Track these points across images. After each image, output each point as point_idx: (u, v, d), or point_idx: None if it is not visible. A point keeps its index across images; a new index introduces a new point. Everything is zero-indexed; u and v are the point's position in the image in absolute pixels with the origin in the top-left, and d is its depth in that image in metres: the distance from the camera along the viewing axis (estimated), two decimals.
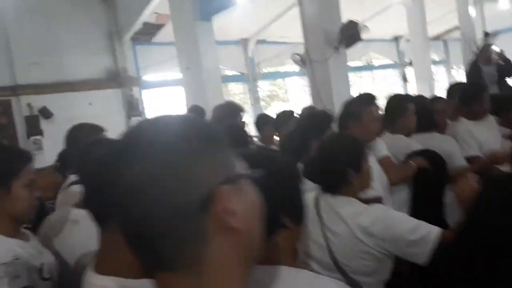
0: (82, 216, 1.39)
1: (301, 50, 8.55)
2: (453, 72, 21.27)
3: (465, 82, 4.21)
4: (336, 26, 5.61)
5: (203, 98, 7.17)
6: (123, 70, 8.43)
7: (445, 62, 19.97)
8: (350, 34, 5.69)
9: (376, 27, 10.16)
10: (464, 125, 2.88)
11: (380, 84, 18.71)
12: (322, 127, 1.99)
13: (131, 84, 8.68)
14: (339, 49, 5.80)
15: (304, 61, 6.53)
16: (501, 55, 4.58)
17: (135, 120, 8.37)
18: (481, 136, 2.83)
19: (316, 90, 6.05)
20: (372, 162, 2.10)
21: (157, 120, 0.66)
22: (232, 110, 3.34)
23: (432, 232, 1.53)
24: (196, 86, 7.45)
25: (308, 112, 2.11)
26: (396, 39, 17.14)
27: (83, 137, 2.14)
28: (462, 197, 1.39)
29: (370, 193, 1.83)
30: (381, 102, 2.59)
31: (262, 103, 13.00)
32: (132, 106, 8.63)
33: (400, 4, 10.96)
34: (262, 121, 3.67)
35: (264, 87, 15.49)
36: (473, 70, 4.58)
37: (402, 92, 18.37)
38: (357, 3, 9.17)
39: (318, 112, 2.23)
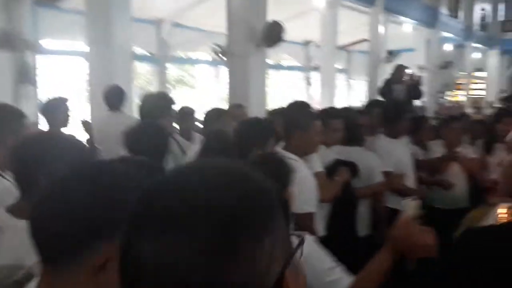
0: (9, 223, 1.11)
1: (217, 39, 8.40)
2: (352, 82, 22.87)
3: (381, 100, 4.47)
4: (261, 24, 5.57)
5: (110, 75, 6.64)
6: (17, 32, 7.45)
7: (346, 71, 21.34)
8: (274, 34, 5.70)
9: (290, 29, 10.41)
10: (383, 142, 3.02)
11: (286, 85, 19.33)
12: (265, 136, 1.89)
13: (25, 48, 7.71)
14: (261, 47, 5.80)
15: (224, 53, 6.40)
16: (412, 76, 4.96)
17: (25, 87, 7.47)
18: (397, 154, 3.00)
19: (233, 84, 5.96)
20: (309, 176, 2.08)
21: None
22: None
23: (343, 278, 1.52)
24: (103, 61, 6.87)
25: (252, 122, 2.02)
26: (307, 43, 17.79)
27: None
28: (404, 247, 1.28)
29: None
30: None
31: (168, 86, 12.56)
32: (23, 72, 7.66)
33: (315, 10, 11.33)
34: (184, 113, 3.45)
35: (172, 71, 14.99)
36: (385, 87, 4.89)
37: (305, 95, 19.25)
38: (277, 3, 9.25)
39: (261, 120, 2.13)
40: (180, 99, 15.20)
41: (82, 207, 0.70)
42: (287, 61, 18.53)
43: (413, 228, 1.18)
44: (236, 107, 3.76)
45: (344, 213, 2.59)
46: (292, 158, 2.04)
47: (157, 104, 2.14)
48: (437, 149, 3.31)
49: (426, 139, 3.35)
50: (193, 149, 2.51)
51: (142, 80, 14.86)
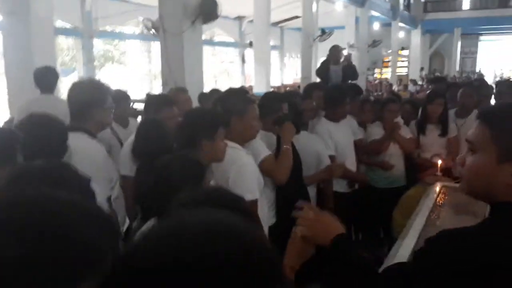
0: None
1: (147, 13, 7.98)
2: (285, 59, 23.08)
3: (319, 82, 4.48)
4: (196, 0, 5.33)
5: (29, 50, 6.06)
6: None
7: (280, 48, 21.44)
8: (209, 10, 5.48)
9: (224, 3, 10.16)
10: (325, 125, 3.02)
11: (220, 61, 19.07)
12: (215, 126, 1.77)
13: None
14: (196, 23, 5.56)
15: (156, 29, 6.07)
16: (347, 58, 5.02)
17: None
18: (338, 137, 3.01)
19: (167, 62, 5.69)
20: (249, 163, 2.01)
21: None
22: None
23: None
24: (21, 34, 6.24)
25: (196, 110, 1.87)
26: (240, 19, 17.53)
27: None
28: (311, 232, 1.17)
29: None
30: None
31: (95, 63, 11.83)
32: None
33: None
34: (119, 97, 3.17)
35: (99, 46, 14.09)
36: (322, 68, 4.92)
37: (240, 71, 19.13)
38: None
39: (209, 110, 2.00)
40: (108, 77, 14.46)
41: None
42: (220, 36, 18.22)
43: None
44: (179, 92, 3.53)
45: (293, 199, 2.56)
46: (233, 147, 1.96)
47: (89, 95, 1.93)
48: (377, 130, 3.39)
49: (366, 120, 3.41)
50: (130, 138, 2.32)
51: (65, 56, 13.84)
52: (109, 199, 2.00)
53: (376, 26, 16.17)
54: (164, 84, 5.81)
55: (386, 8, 15.73)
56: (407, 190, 3.05)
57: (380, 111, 3.43)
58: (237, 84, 17.36)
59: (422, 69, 21.29)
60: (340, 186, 3.11)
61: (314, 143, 2.80)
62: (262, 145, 2.25)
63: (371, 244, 3.72)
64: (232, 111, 2.02)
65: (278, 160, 2.29)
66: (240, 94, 2.20)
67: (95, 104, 1.98)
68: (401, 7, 17.78)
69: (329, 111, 3.05)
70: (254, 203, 1.94)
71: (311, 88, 3.42)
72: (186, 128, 1.80)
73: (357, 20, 14.29)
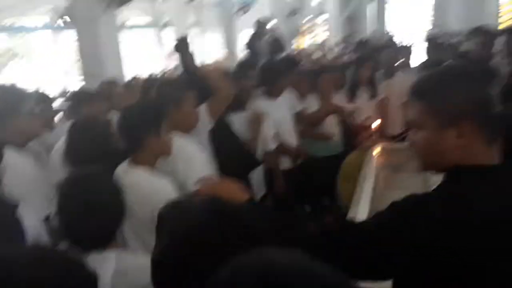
0: None
1: (54, 1, 7.38)
2: (207, 36, 22.62)
3: (251, 60, 4.39)
4: None
5: None
6: None
7: (199, 25, 20.95)
8: None
9: None
10: (262, 103, 2.98)
11: (136, 44, 18.24)
12: (158, 121, 1.65)
13: None
14: (111, 7, 5.23)
15: (69, 17, 5.65)
16: (273, 30, 4.98)
17: None
18: (276, 114, 3.00)
19: (82, 51, 5.34)
20: (196, 151, 1.93)
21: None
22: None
23: None
24: None
25: (137, 106, 1.70)
26: None
27: None
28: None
29: None
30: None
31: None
32: None
33: None
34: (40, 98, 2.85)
35: (1, 42, 12.84)
36: (251, 41, 4.86)
37: (159, 54, 18.44)
38: None
39: (149, 103, 1.86)
40: (15, 75, 13.26)
41: None
42: (132, 19, 17.38)
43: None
44: (111, 85, 3.27)
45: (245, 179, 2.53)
46: (175, 137, 1.87)
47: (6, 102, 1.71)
48: (314, 101, 3.42)
49: (304, 92, 3.41)
50: (58, 144, 2.11)
51: None
52: (47, 218, 1.80)
53: None
54: (84, 76, 5.46)
55: None
56: (345, 155, 3.14)
57: (314, 82, 3.45)
58: (158, 68, 16.81)
59: (346, 37, 21.99)
60: (283, 162, 3.13)
61: None
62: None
63: (318, 214, 3.83)
64: (168, 102, 1.91)
65: None
66: (174, 83, 2.07)
67: (11, 112, 1.77)
68: None
69: (265, 89, 3.01)
70: None
71: (245, 66, 3.37)
72: (128, 127, 1.66)
73: None
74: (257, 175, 2.77)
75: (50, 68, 14.38)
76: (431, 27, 24.13)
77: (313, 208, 3.85)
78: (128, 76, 6.24)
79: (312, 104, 3.40)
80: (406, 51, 4.54)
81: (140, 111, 1.67)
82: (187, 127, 2.02)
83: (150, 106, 1.71)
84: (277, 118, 3.02)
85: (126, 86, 3.59)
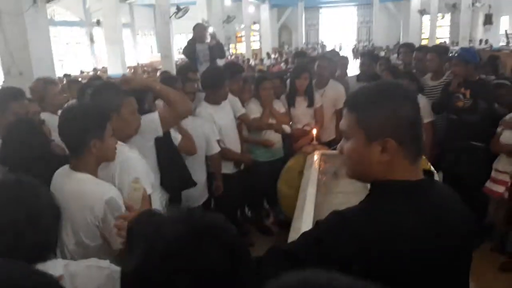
0: None
1: None
2: (138, 37, 22.05)
3: (187, 64, 4.31)
4: None
5: None
6: None
7: (131, 26, 20.37)
8: None
9: None
10: (206, 109, 2.96)
11: (65, 42, 17.34)
12: (103, 123, 1.55)
13: None
14: (38, 2, 4.92)
15: None
16: (213, 36, 4.95)
17: None
18: (220, 120, 2.99)
19: (7, 46, 4.96)
20: (135, 159, 1.84)
21: None
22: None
23: None
24: None
25: (79, 108, 1.55)
26: None
27: None
28: None
29: None
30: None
31: None
32: None
33: None
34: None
35: None
36: (189, 47, 4.77)
37: (89, 52, 17.66)
38: None
39: (91, 104, 1.71)
40: None
41: None
42: (61, 15, 16.52)
43: None
44: (47, 84, 2.97)
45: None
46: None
47: None
48: (254, 107, 3.45)
49: (246, 98, 3.43)
50: None
51: None
52: None
53: (227, 1, 16.40)
54: (6, 73, 5.07)
55: None
56: (285, 160, 3.22)
57: (255, 88, 3.49)
58: (87, 67, 16.10)
59: (278, 47, 22.54)
60: (226, 168, 3.13)
61: (202, 127, 2.73)
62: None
63: (259, 217, 3.87)
64: (109, 106, 1.80)
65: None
66: (110, 89, 1.94)
67: None
68: None
69: (209, 94, 2.99)
70: (148, 198, 1.81)
71: (185, 69, 3.31)
72: (70, 130, 1.55)
73: None
74: (199, 181, 2.74)
75: None
76: (356, 41, 25.28)
77: (254, 212, 3.90)
78: (58, 74, 5.88)
79: (254, 110, 3.43)
80: (343, 62, 4.75)
81: (84, 113, 1.56)
82: (127, 134, 1.92)
83: (92, 108, 1.60)
84: (220, 123, 3.01)
85: (59, 85, 3.37)
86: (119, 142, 1.79)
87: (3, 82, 5.55)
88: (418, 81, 3.66)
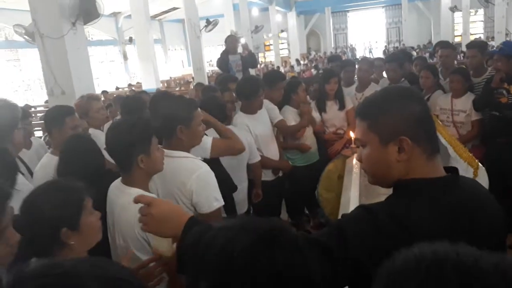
0: None
1: (15, 18, 7.16)
2: (170, 52, 22.58)
3: (231, 74, 4.39)
4: (72, 0, 4.93)
5: None
6: None
7: (162, 41, 20.90)
8: (88, 9, 5.12)
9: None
10: (242, 119, 3.01)
11: (99, 61, 17.96)
12: (147, 137, 1.61)
13: None
14: (77, 25, 5.14)
15: (30, 35, 5.49)
16: (245, 46, 5.04)
17: None
18: (257, 129, 3.02)
19: (49, 69, 5.21)
20: (209, 170, 1.86)
21: None
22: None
23: None
24: None
25: (124, 125, 1.60)
26: (115, 15, 16.65)
27: None
28: None
29: None
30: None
31: None
32: None
33: None
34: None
35: None
36: (222, 58, 4.87)
37: (123, 69, 18.22)
38: None
39: (137, 121, 1.77)
40: None
41: None
42: (96, 35, 17.15)
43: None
44: (91, 100, 3.11)
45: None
46: (186, 157, 1.83)
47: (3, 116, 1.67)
48: (289, 112, 3.48)
49: (280, 105, 3.46)
50: (45, 161, 2.04)
51: None
52: None
53: (255, 11, 16.58)
54: (49, 93, 5.32)
55: None
56: (321, 165, 3.22)
57: (286, 94, 3.51)
58: (122, 83, 16.60)
59: (306, 54, 22.53)
60: (265, 175, 3.16)
61: (243, 135, 2.77)
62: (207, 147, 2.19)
63: (299, 223, 3.86)
64: (177, 120, 1.85)
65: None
66: (182, 100, 1.98)
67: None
68: None
69: (244, 104, 3.03)
70: (220, 210, 1.86)
71: (226, 80, 3.38)
72: (117, 147, 1.61)
73: (235, 7, 14.50)
74: (241, 193, 2.77)
75: (8, 85, 13.89)
76: (386, 42, 24.82)
77: (294, 218, 3.90)
78: (97, 91, 6.09)
79: (289, 115, 3.46)
80: (378, 64, 4.71)
81: (128, 130, 1.61)
82: (193, 144, 1.96)
83: (138, 124, 1.65)
84: (257, 133, 3.04)
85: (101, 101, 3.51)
86: (190, 155, 1.84)
87: (46, 102, 5.81)
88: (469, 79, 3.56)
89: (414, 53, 15.89)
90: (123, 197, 1.64)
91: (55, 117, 2.38)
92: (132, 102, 3.13)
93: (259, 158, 2.96)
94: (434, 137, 1.03)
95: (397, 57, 4.21)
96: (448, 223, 0.93)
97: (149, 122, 1.70)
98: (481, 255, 0.51)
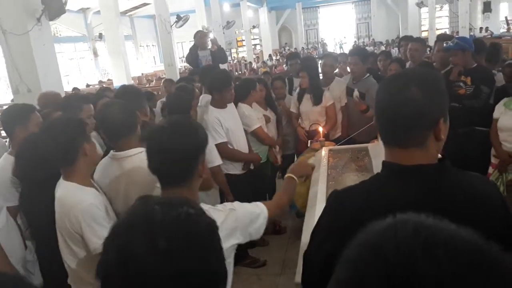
0: None
1: None
2: (141, 49, 22.23)
3: (198, 69, 4.39)
4: None
5: None
6: None
7: (133, 37, 20.56)
8: (54, 5, 5.01)
9: None
10: (213, 113, 3.02)
11: (70, 57, 17.53)
12: (135, 122, 1.68)
13: None
14: (42, 21, 5.03)
15: None
16: (214, 41, 5.03)
17: None
18: (227, 122, 3.04)
19: (14, 66, 5.07)
20: None
21: None
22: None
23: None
24: None
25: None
26: (84, 11, 16.27)
27: None
28: None
29: None
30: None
31: None
32: None
33: None
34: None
35: None
36: (191, 54, 4.85)
37: (94, 66, 17.85)
38: None
39: (124, 105, 1.83)
40: None
41: None
42: (63, 31, 16.72)
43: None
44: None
45: None
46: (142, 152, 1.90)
47: None
48: (245, 110, 3.53)
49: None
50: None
51: None
52: None
53: (226, 7, 16.52)
54: (15, 92, 5.18)
55: None
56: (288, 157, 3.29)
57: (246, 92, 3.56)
58: (93, 80, 16.28)
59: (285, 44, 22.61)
60: (235, 168, 3.19)
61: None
62: None
63: None
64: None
65: None
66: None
67: None
68: None
69: (215, 98, 3.04)
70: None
71: (192, 73, 3.37)
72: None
73: (206, 3, 14.42)
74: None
75: None
76: (355, 37, 25.09)
77: None
78: (66, 88, 5.96)
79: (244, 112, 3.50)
80: (342, 59, 4.79)
81: (121, 113, 1.71)
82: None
83: (126, 108, 1.73)
84: (228, 126, 3.07)
85: None
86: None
87: (12, 100, 5.67)
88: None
89: (383, 48, 16.17)
90: (59, 190, 1.70)
91: (19, 114, 2.35)
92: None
93: (219, 163, 2.87)
94: (393, 127, 1.02)
95: (360, 51, 4.27)
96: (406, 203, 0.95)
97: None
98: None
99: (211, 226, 0.72)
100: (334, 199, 1.08)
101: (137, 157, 1.77)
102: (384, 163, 1.05)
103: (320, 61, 4.50)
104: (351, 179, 2.48)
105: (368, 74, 3.84)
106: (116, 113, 1.78)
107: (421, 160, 1.01)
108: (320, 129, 3.28)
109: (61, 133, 1.65)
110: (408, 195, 0.97)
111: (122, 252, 0.65)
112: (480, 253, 0.46)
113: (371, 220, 0.52)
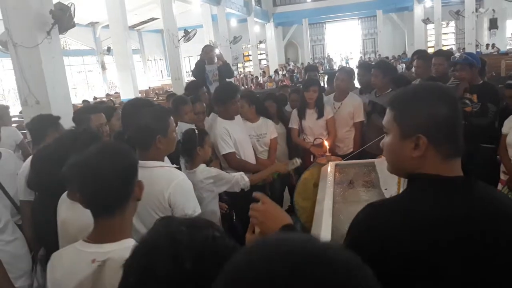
0: None
1: None
2: (149, 63, 22.45)
3: (202, 83, 4.40)
4: (46, 9, 4.88)
5: None
6: None
7: (141, 51, 20.79)
8: (63, 18, 5.07)
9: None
10: (221, 123, 3.04)
11: (78, 70, 17.72)
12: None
13: None
14: (52, 34, 5.09)
15: (4, 44, 5.40)
16: (219, 56, 5.05)
17: None
18: (235, 133, 3.05)
19: (23, 78, 5.13)
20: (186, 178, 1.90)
21: None
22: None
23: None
24: None
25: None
26: (93, 25, 16.50)
27: None
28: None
29: None
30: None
31: None
32: None
33: None
34: None
35: None
36: (198, 68, 4.87)
37: (101, 79, 18.01)
38: None
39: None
40: None
41: None
42: (72, 45, 16.94)
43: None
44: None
45: None
46: (163, 166, 1.84)
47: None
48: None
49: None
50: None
51: None
52: None
53: (233, 22, 16.69)
54: (23, 103, 5.23)
55: (240, 5, 16.32)
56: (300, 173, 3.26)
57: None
58: (101, 93, 16.42)
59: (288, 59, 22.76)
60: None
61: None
62: None
63: None
64: (155, 131, 1.78)
65: None
66: (156, 109, 1.97)
67: None
68: (253, 2, 18.63)
69: (221, 110, 3.06)
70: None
71: (196, 86, 3.38)
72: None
73: (213, 18, 14.59)
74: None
75: None
76: (361, 53, 25.17)
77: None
78: (74, 101, 6.00)
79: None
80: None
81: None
82: (169, 152, 1.97)
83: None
84: (235, 137, 3.07)
85: None
86: (166, 164, 1.85)
87: (20, 112, 5.72)
88: None
89: None
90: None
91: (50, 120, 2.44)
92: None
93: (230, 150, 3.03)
94: (456, 140, 1.03)
95: (383, 64, 4.17)
96: (450, 218, 0.95)
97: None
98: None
99: (237, 249, 0.72)
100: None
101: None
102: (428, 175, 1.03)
103: (325, 76, 4.51)
104: (358, 194, 2.46)
105: (390, 89, 3.73)
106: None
107: (459, 171, 1.05)
108: (326, 143, 3.27)
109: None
110: (458, 206, 0.98)
111: (144, 274, 0.64)
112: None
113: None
